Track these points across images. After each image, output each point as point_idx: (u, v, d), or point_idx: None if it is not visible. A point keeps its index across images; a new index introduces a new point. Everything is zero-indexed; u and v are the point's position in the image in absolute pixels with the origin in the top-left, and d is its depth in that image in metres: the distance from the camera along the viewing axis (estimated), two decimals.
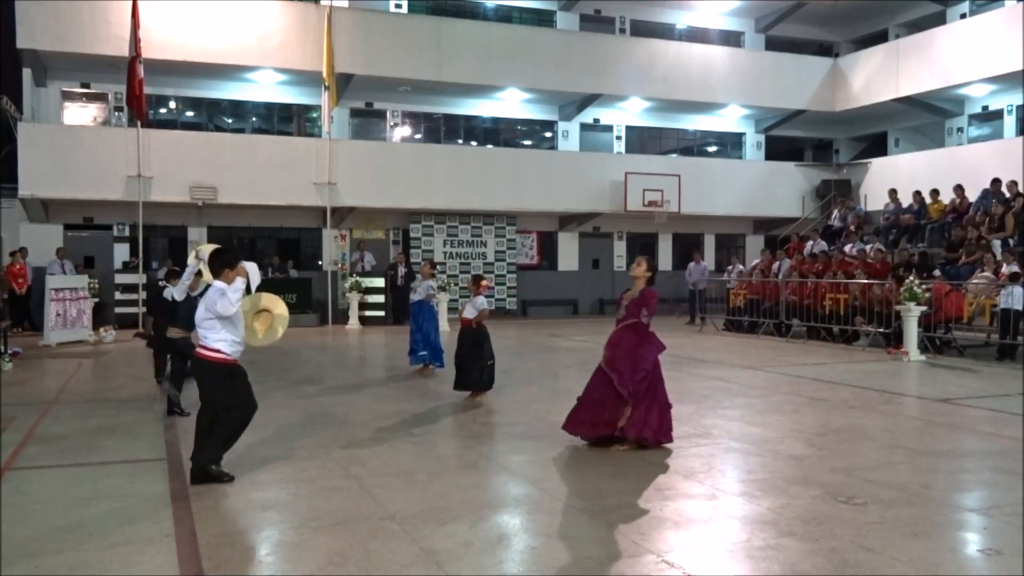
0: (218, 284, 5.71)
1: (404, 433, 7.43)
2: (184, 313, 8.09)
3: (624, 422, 6.57)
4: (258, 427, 7.64)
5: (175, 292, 8.33)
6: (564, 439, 7.09)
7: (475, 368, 8.98)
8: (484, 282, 9.55)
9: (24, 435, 7.27)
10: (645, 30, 24.66)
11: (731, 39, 25.70)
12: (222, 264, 5.78)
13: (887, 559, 4.22)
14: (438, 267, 16.24)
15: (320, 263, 21.58)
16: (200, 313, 5.75)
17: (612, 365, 6.67)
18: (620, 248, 24.60)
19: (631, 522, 4.86)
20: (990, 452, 6.66)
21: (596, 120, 24.60)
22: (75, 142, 18.57)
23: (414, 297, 11.55)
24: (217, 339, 5.70)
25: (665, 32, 25.06)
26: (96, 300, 17.42)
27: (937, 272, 15.48)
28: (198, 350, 5.81)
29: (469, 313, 9.21)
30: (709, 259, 24.14)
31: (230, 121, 22.11)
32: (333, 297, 20.01)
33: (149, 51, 18.10)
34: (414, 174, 20.89)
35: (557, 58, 22.15)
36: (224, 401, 5.79)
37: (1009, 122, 21.95)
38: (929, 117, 23.72)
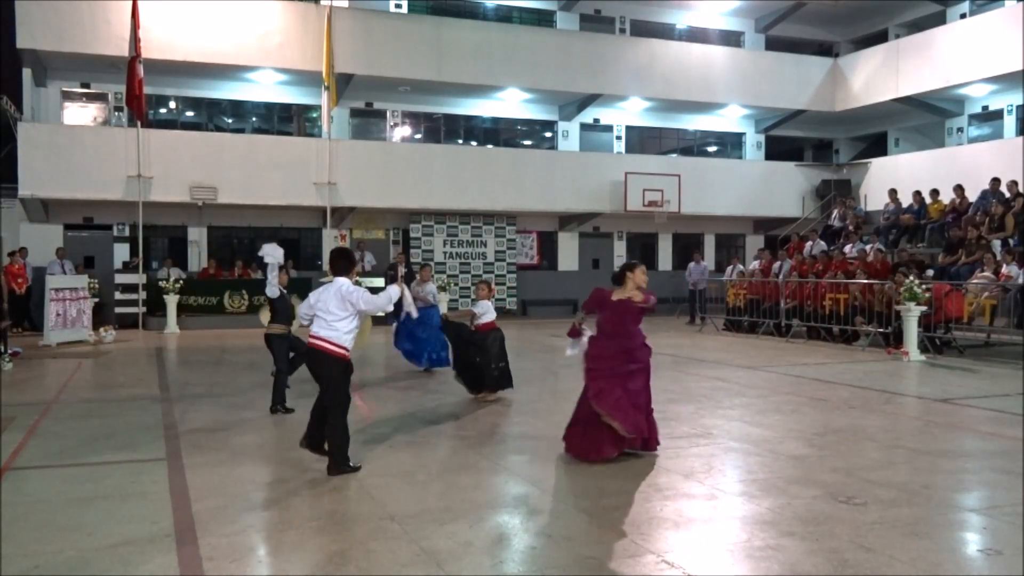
0: (347, 282, 6.10)
1: (404, 433, 7.43)
2: (281, 309, 8.24)
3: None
4: (258, 427, 7.66)
5: (268, 290, 8.25)
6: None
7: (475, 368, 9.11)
8: (491, 288, 9.59)
9: (24, 435, 7.27)
10: (645, 30, 24.66)
11: (731, 39, 25.69)
12: (351, 264, 6.34)
13: (887, 559, 4.22)
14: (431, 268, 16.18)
15: (320, 263, 21.56)
16: (323, 306, 6.01)
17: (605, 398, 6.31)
18: (620, 248, 24.59)
19: (631, 522, 4.86)
20: (990, 452, 6.66)
21: (596, 120, 24.60)
22: (75, 142, 18.57)
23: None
24: (347, 336, 6.02)
25: (665, 32, 25.06)
26: (96, 300, 17.42)
27: (930, 272, 15.51)
28: (331, 347, 5.97)
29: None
30: (709, 259, 24.14)
31: (230, 121, 22.11)
32: None
33: (149, 51, 18.12)
34: (414, 174, 20.89)
35: (557, 58, 22.15)
36: (342, 397, 6.03)
37: (1009, 122, 21.95)
38: (929, 117, 23.72)
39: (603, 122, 24.73)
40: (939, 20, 23.16)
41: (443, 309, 18.87)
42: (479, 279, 10.49)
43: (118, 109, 20.21)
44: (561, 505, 5.19)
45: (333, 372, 6.02)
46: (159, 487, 5.61)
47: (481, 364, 9.02)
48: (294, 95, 21.84)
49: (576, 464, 6.26)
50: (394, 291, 6.41)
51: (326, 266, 20.70)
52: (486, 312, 9.23)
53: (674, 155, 25.55)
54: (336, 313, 6.01)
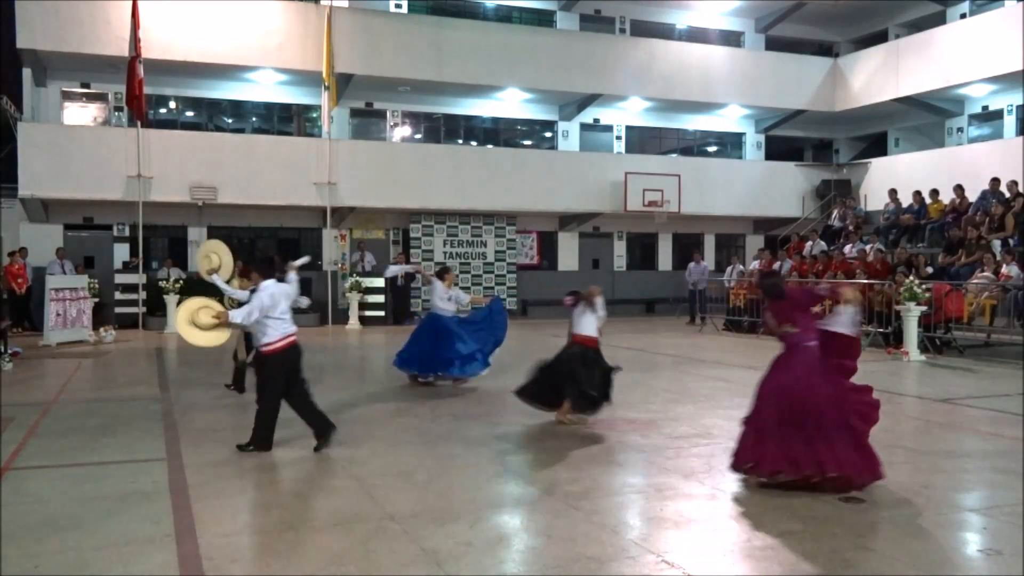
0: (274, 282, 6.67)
1: (404, 433, 7.43)
2: None
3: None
4: None
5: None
6: (564, 437, 7.09)
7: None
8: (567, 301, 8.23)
9: (24, 435, 7.27)
10: (645, 30, 24.65)
11: (731, 39, 25.69)
12: (275, 266, 6.91)
13: (887, 559, 4.23)
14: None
15: (320, 263, 21.57)
16: (285, 306, 6.60)
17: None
18: (620, 248, 24.59)
19: (631, 522, 4.87)
20: (990, 452, 6.66)
21: (596, 120, 24.60)
22: (75, 142, 18.56)
23: (449, 307, 10.44)
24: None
25: (665, 32, 25.04)
26: (96, 300, 17.42)
27: (929, 269, 15.52)
28: (295, 339, 6.65)
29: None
30: (709, 259, 24.13)
31: (230, 121, 22.10)
32: (333, 297, 20.01)
33: (149, 51, 18.10)
34: (414, 174, 20.89)
35: (557, 58, 22.14)
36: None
37: (1009, 122, 21.94)
38: (929, 117, 23.72)
39: (603, 122, 24.72)
40: (939, 20, 23.15)
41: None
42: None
43: (118, 109, 20.20)
44: (561, 505, 5.19)
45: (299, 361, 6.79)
46: (159, 487, 5.61)
47: (579, 379, 7.59)
48: (294, 95, 21.83)
49: (576, 464, 6.24)
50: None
51: (327, 266, 20.98)
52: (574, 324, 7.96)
53: (674, 155, 25.54)
54: (290, 310, 6.67)
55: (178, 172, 18.82)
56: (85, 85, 20.20)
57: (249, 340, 8.47)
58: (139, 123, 18.31)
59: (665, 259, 25.08)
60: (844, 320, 5.62)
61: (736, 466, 5.68)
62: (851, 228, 20.27)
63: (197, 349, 7.04)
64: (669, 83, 23.24)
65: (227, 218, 20.71)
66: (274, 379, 6.53)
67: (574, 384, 7.56)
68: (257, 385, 6.77)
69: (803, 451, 5.35)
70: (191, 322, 6.58)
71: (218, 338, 6.77)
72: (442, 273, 10.70)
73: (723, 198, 23.64)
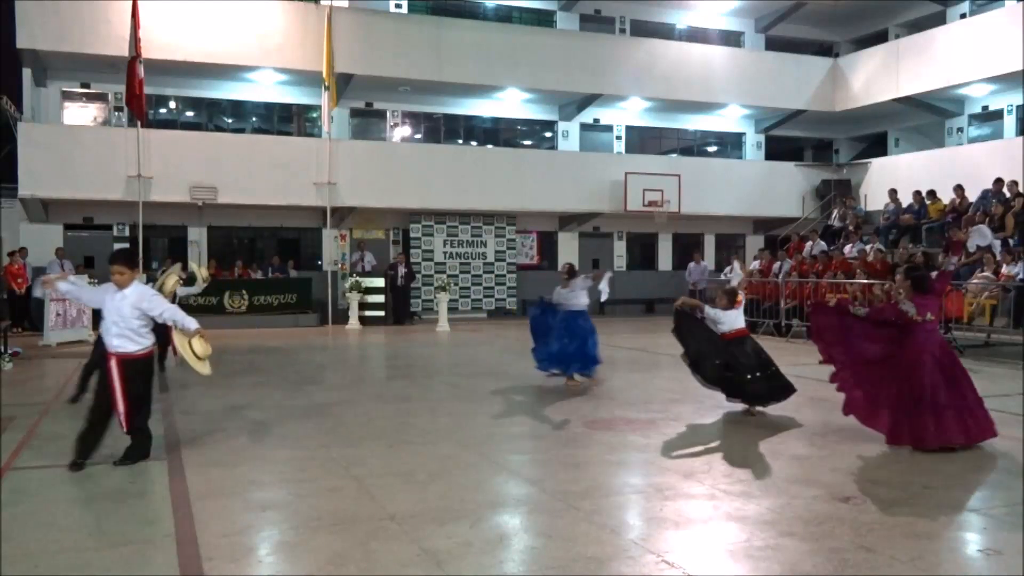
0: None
1: (404, 433, 7.43)
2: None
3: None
4: (258, 427, 7.65)
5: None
6: (564, 437, 7.09)
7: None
8: (739, 298, 8.51)
9: (24, 435, 7.26)
10: (645, 30, 24.67)
11: (731, 39, 25.70)
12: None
13: (887, 559, 4.22)
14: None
15: (320, 263, 21.58)
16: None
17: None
18: (620, 248, 24.59)
19: (631, 522, 4.87)
20: (990, 452, 6.66)
21: (596, 120, 24.61)
22: (75, 142, 18.58)
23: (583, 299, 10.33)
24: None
25: (665, 32, 25.06)
26: None
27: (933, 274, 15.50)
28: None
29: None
30: (709, 259, 24.15)
31: (230, 121, 22.11)
32: (333, 297, 20.02)
33: (149, 51, 18.11)
34: (414, 174, 20.90)
35: (557, 58, 22.16)
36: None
37: (1009, 122, 21.95)
38: (929, 117, 23.72)
39: (603, 122, 24.73)
40: (939, 20, 23.16)
41: (443, 309, 18.96)
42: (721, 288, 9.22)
43: (118, 109, 20.21)
44: (561, 505, 5.18)
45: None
46: (159, 487, 5.61)
47: (735, 377, 8.06)
48: (294, 95, 21.84)
49: (576, 464, 6.24)
50: None
51: (327, 266, 20.95)
52: (726, 322, 8.23)
53: (674, 155, 25.55)
54: None
55: (178, 172, 18.83)
56: (85, 85, 20.21)
57: (100, 345, 7.00)
58: (139, 123, 18.32)
59: (665, 259, 25.10)
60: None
61: (896, 442, 6.55)
62: (851, 228, 20.27)
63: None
64: (669, 83, 23.25)
65: (227, 218, 20.72)
66: (150, 382, 6.38)
67: (756, 384, 8.06)
68: (136, 395, 6.16)
69: (959, 423, 6.45)
70: (197, 357, 6.46)
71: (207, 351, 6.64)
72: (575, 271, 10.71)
73: (723, 198, 23.65)
